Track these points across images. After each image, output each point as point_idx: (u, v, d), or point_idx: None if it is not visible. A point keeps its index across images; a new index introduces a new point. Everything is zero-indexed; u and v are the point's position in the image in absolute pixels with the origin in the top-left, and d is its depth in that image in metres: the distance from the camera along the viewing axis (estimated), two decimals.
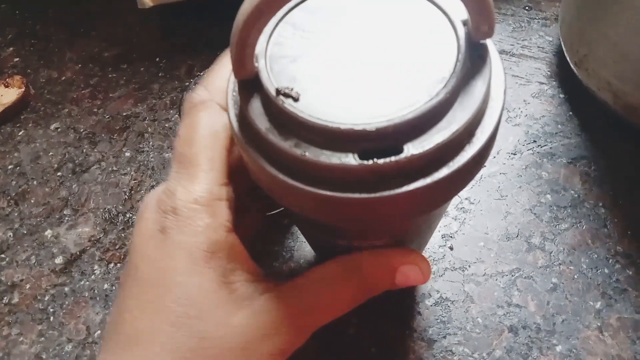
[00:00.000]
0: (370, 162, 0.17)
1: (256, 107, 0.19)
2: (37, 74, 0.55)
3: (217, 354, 0.20)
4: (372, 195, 0.17)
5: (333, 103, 0.18)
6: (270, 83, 0.18)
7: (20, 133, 0.50)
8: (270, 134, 0.18)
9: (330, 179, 0.17)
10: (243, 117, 0.19)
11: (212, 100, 0.24)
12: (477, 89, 0.18)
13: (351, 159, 0.17)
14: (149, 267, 0.21)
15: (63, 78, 0.55)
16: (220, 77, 0.24)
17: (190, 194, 0.21)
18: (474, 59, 0.19)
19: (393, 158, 0.17)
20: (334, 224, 0.20)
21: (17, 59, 0.57)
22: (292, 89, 0.18)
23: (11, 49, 0.58)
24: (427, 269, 0.26)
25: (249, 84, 0.19)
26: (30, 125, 0.51)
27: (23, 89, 0.51)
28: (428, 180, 0.17)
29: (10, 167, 0.48)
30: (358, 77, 0.18)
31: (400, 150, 0.17)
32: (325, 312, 0.23)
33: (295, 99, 0.18)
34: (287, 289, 0.22)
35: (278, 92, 0.18)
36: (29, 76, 0.55)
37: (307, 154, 0.17)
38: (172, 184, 0.22)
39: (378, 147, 0.17)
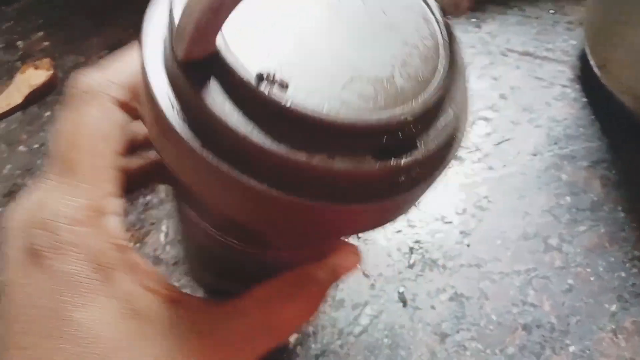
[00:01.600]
0: (392, 161, 0.14)
1: (221, 101, 0.13)
2: (64, 59, 0.57)
3: None
4: (394, 197, 0.15)
5: (326, 89, 0.14)
6: (243, 65, 0.13)
7: (47, 114, 0.51)
8: (255, 138, 0.13)
9: (340, 187, 0.14)
10: (200, 116, 0.14)
11: (104, 92, 0.19)
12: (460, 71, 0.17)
13: (370, 162, 0.14)
14: (31, 304, 0.16)
15: (89, 63, 0.56)
16: (124, 59, 0.20)
17: (73, 210, 0.17)
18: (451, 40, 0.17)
19: (412, 155, 0.14)
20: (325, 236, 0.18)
21: (47, 43, 0.58)
22: (275, 74, 0.13)
23: (41, 33, 0.59)
24: (358, 250, 0.23)
25: (202, 67, 0.14)
26: (56, 106, 0.52)
27: (51, 72, 0.52)
28: (437, 173, 0.16)
29: (35, 146, 0.49)
30: (343, 53, 0.15)
31: (416, 146, 0.14)
32: (274, 336, 0.19)
33: (285, 87, 0.13)
34: (225, 312, 0.18)
35: (261, 78, 0.13)
36: (57, 60, 0.56)
37: (315, 160, 0.13)
38: (49, 195, 0.17)
39: (394, 144, 0.14)
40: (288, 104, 0.13)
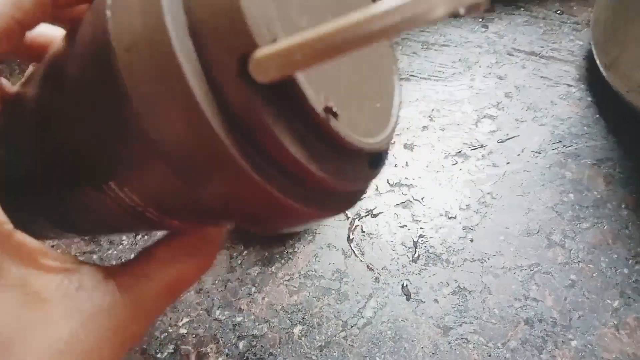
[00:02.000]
0: (377, 169, 0.17)
1: (283, 125, 0.14)
2: None
3: None
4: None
5: (352, 116, 0.15)
6: (312, 95, 0.14)
7: None
8: (311, 164, 0.14)
9: (339, 193, 0.16)
10: (255, 135, 0.13)
11: None
12: None
13: (367, 171, 0.17)
14: None
15: None
16: None
17: None
18: None
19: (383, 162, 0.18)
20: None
21: None
22: (333, 105, 0.14)
23: None
24: None
25: (269, 88, 0.13)
26: None
27: None
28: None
29: None
30: (356, 79, 0.16)
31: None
32: (176, 294, 0.20)
33: (337, 117, 0.14)
34: (130, 278, 0.18)
35: (327, 110, 0.14)
36: None
37: (338, 178, 0.15)
38: None
39: (378, 155, 0.17)
40: (343, 135, 0.14)
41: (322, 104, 0.14)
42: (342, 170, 0.15)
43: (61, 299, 0.16)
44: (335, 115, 0.14)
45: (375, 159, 0.17)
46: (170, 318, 0.38)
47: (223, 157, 0.13)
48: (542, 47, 0.52)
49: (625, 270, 0.38)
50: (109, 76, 0.13)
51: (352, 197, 0.18)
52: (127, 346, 0.18)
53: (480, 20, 0.55)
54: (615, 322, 0.36)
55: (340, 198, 0.17)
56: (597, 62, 0.46)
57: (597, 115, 0.47)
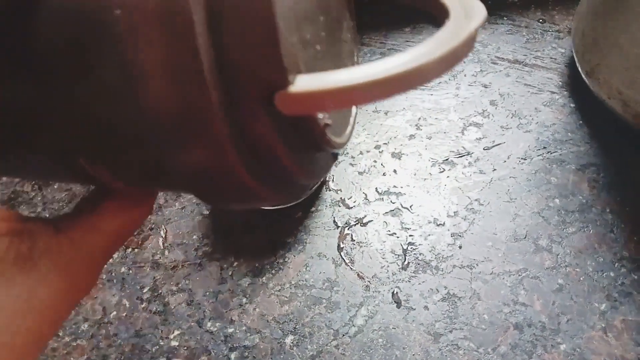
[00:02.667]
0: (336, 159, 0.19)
1: (286, 139, 0.15)
2: None
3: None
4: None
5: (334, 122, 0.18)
6: (319, 117, 0.15)
7: None
8: (290, 158, 0.15)
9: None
10: (259, 150, 0.14)
11: None
12: None
13: (330, 161, 0.20)
14: None
15: None
16: None
17: None
18: None
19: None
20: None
21: None
22: (327, 120, 0.16)
23: None
24: None
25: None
26: None
27: None
28: None
29: None
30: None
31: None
32: (121, 242, 0.20)
33: (329, 127, 0.16)
34: (81, 231, 0.18)
35: (326, 125, 0.16)
36: None
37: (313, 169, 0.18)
38: None
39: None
40: (332, 142, 0.16)
41: (323, 121, 0.15)
42: (312, 163, 0.17)
43: (14, 260, 0.16)
44: (328, 126, 0.16)
45: (336, 152, 0.19)
46: (162, 331, 0.38)
47: (209, 127, 0.13)
48: (525, 55, 0.53)
49: (612, 274, 0.39)
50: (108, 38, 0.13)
51: (302, 190, 0.19)
52: (80, 298, 0.18)
53: None
54: (603, 325, 0.37)
55: (296, 188, 0.18)
56: (579, 69, 0.47)
57: (580, 122, 0.47)
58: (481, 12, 0.14)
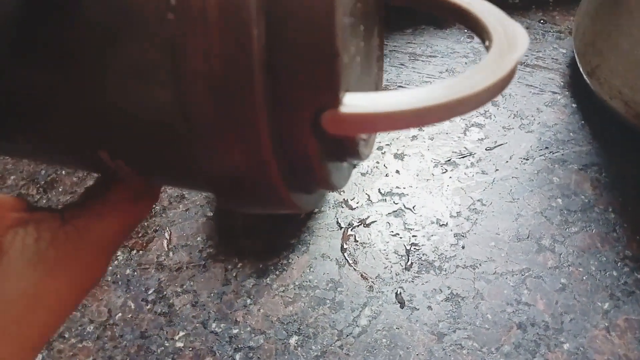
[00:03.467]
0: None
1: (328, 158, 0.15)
2: None
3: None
4: None
5: None
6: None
7: None
8: (329, 177, 0.16)
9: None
10: (301, 167, 0.15)
11: None
12: None
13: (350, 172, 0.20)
14: None
15: None
16: None
17: None
18: None
19: None
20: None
21: None
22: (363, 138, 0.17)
23: None
24: None
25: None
26: None
27: None
28: None
29: None
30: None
31: None
32: (128, 233, 0.20)
33: (364, 141, 0.17)
34: (86, 220, 0.18)
35: (363, 140, 0.17)
36: None
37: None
38: None
39: None
40: (361, 156, 0.16)
41: (361, 137, 0.16)
42: (339, 173, 0.17)
43: (21, 253, 0.16)
44: (364, 141, 0.16)
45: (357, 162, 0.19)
46: (167, 332, 0.38)
47: (254, 136, 0.13)
48: (526, 55, 0.53)
49: (614, 273, 0.39)
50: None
51: (323, 199, 0.20)
52: (89, 289, 0.18)
53: (466, 31, 0.56)
54: (606, 324, 0.37)
55: (320, 198, 0.18)
56: (580, 70, 0.47)
57: (582, 122, 0.48)
58: (524, 42, 0.14)
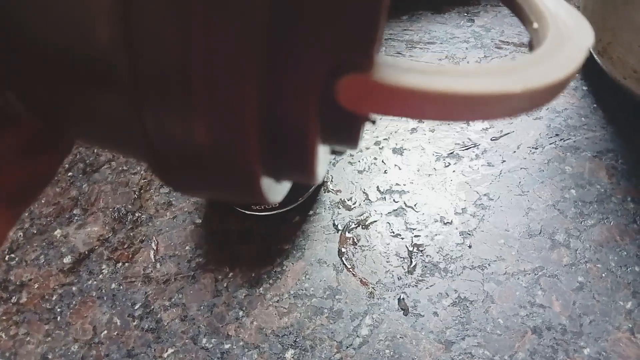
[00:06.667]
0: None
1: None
2: None
3: None
4: None
5: None
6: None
7: None
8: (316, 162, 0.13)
9: None
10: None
11: None
12: None
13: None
14: None
15: None
16: None
17: None
18: None
19: None
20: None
21: None
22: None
23: None
24: None
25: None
26: None
27: None
28: None
29: None
30: None
31: None
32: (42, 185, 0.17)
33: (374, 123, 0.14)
34: None
35: (373, 121, 0.13)
36: None
37: None
38: None
39: None
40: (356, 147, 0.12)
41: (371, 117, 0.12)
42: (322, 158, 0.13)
43: None
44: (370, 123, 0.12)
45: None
46: (155, 350, 0.36)
47: (237, 86, 0.09)
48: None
49: (637, 268, 0.36)
50: None
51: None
52: None
53: (466, 14, 0.53)
54: (630, 325, 0.34)
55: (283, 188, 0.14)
56: (591, 49, 0.43)
57: (595, 105, 0.44)
58: (587, 26, 0.11)
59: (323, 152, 0.13)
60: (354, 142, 0.12)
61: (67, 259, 0.41)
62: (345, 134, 0.11)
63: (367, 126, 0.15)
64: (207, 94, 0.09)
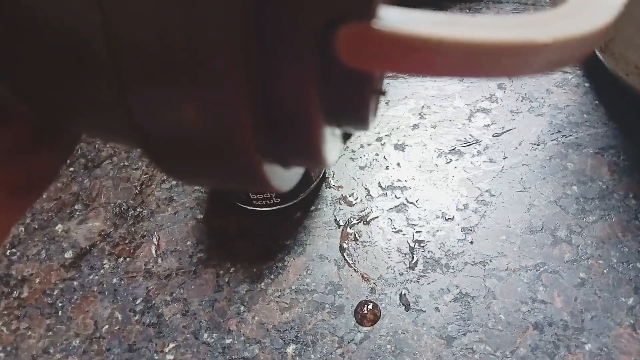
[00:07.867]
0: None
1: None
2: None
3: None
4: None
5: None
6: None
7: None
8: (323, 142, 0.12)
9: None
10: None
11: None
12: None
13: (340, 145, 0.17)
14: None
15: None
16: None
17: None
18: None
19: None
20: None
21: None
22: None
23: None
24: None
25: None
26: None
27: None
28: None
29: None
30: None
31: None
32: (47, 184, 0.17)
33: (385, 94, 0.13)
34: None
35: (383, 93, 0.12)
36: None
37: None
38: None
39: None
40: (369, 119, 0.11)
41: (379, 86, 0.11)
42: (330, 139, 0.12)
43: None
44: (380, 95, 0.11)
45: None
46: (156, 344, 0.36)
47: (223, 58, 0.08)
48: None
49: (638, 265, 0.36)
50: None
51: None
52: None
53: (468, 11, 0.53)
54: (632, 321, 0.34)
55: (293, 175, 0.13)
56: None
57: (596, 102, 0.44)
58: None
59: (331, 135, 0.12)
60: (364, 119, 0.11)
61: (69, 254, 0.41)
62: (353, 108, 0.10)
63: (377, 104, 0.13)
64: (191, 70, 0.08)
